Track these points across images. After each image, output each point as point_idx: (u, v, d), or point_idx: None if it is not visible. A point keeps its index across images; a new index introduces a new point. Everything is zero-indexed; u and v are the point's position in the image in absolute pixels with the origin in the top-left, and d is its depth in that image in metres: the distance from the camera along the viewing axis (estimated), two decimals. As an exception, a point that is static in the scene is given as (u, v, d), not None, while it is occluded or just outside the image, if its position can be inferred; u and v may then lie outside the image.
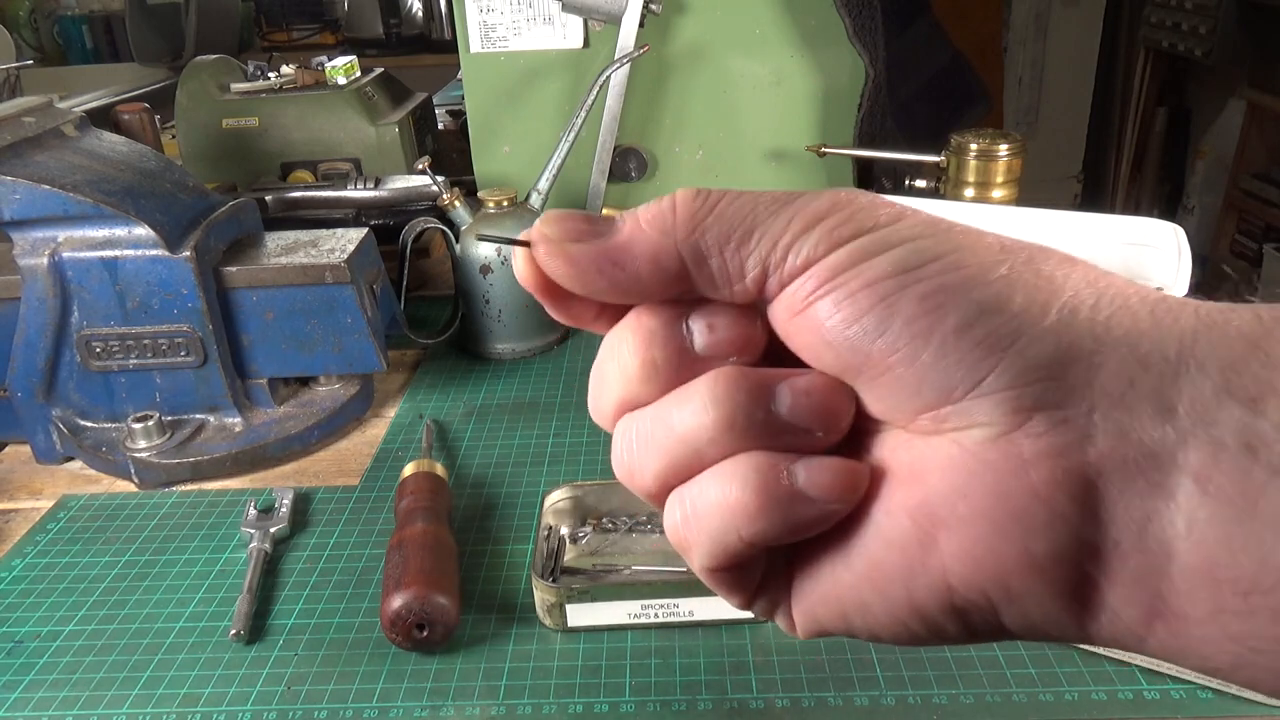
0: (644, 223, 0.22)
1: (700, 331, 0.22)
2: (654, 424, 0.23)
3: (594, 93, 0.87)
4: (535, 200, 0.87)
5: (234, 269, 0.69)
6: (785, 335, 0.22)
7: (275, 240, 0.74)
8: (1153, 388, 0.18)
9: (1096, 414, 0.18)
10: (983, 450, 0.19)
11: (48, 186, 0.64)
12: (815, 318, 0.21)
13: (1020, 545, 0.19)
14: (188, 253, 0.66)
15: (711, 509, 0.21)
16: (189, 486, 0.68)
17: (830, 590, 0.22)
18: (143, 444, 0.68)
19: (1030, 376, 0.19)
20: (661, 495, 0.23)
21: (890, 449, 0.21)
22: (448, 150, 1.22)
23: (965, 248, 0.20)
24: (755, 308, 0.22)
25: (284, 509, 0.63)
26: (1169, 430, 0.18)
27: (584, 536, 0.59)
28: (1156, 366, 0.18)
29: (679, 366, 0.22)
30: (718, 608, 0.52)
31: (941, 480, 0.20)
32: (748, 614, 0.52)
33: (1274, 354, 0.18)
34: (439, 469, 0.63)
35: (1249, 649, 0.18)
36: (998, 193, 0.85)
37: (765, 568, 0.23)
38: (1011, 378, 0.19)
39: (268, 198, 0.95)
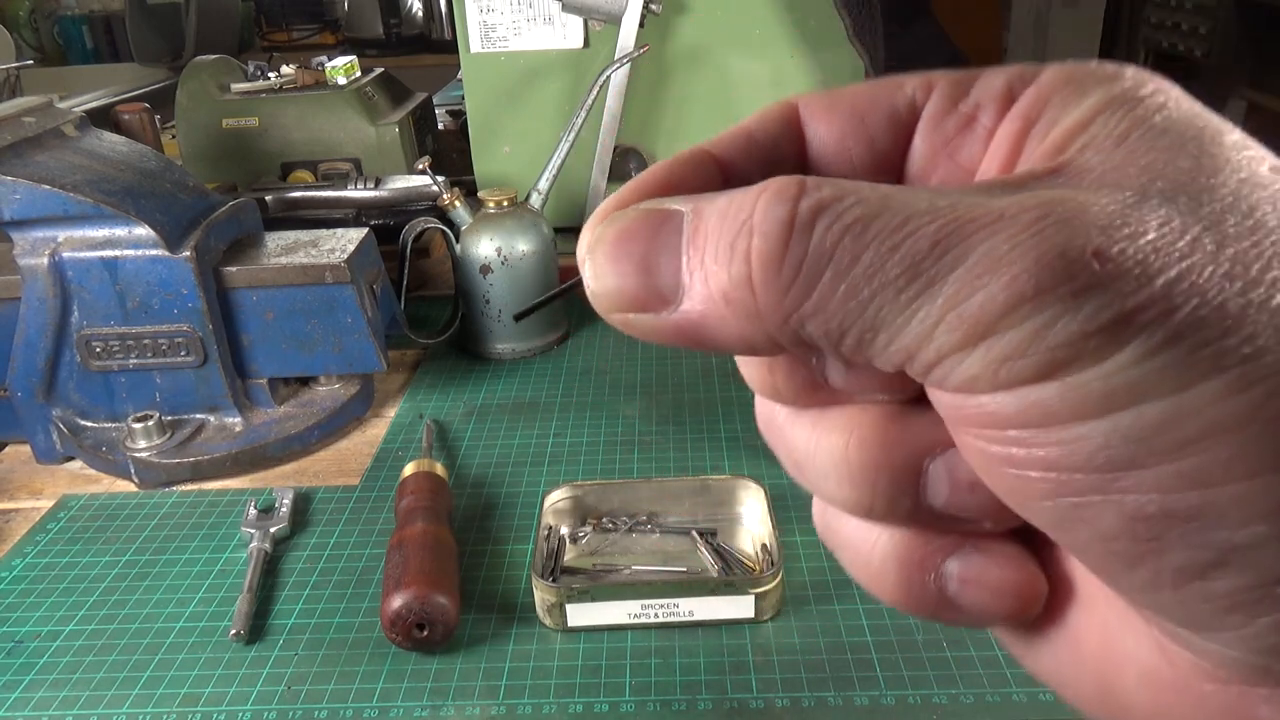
0: (720, 296, 0.15)
1: (833, 366, 0.17)
2: (794, 461, 0.18)
3: (594, 93, 0.87)
4: (535, 200, 0.87)
5: (234, 269, 0.69)
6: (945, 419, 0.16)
7: (275, 240, 0.74)
8: None
9: None
10: (1202, 686, 0.14)
11: (48, 186, 0.64)
12: (981, 460, 0.15)
13: None
14: (188, 253, 0.66)
15: (860, 576, 0.18)
16: (189, 486, 0.68)
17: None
18: (143, 444, 0.68)
19: None
20: None
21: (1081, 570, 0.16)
22: (448, 150, 1.22)
23: (1225, 391, 0.13)
24: None
25: (284, 509, 0.63)
26: None
27: (584, 536, 0.59)
28: None
29: (812, 395, 0.18)
30: (718, 608, 0.52)
31: (1138, 685, 0.15)
32: (748, 614, 0.52)
33: None
34: (439, 469, 0.63)
35: None
36: (998, 193, 0.85)
37: None
38: (1260, 649, 0.13)
39: (268, 198, 0.95)
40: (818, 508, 0.19)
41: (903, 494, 0.16)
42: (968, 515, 0.16)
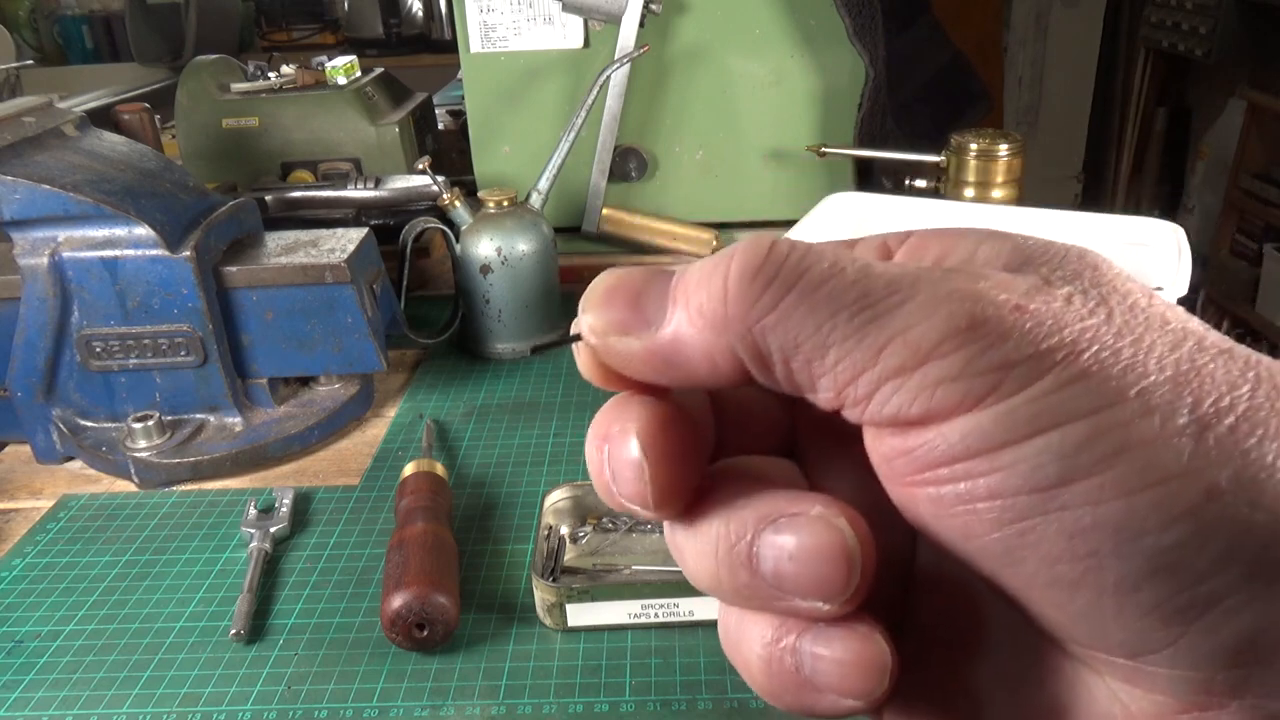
0: (695, 312, 0.17)
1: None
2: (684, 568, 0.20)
3: (594, 93, 0.87)
4: (535, 200, 0.87)
5: (234, 269, 0.69)
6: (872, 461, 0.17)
7: (275, 240, 0.74)
8: None
9: None
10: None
11: (48, 186, 0.64)
12: (908, 499, 0.16)
13: None
14: (188, 252, 0.66)
15: (740, 669, 0.19)
16: (189, 486, 0.68)
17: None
18: (143, 444, 0.68)
19: (1226, 661, 0.14)
20: None
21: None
22: (448, 150, 1.22)
23: (1132, 415, 0.14)
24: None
25: (284, 509, 0.63)
26: None
27: (584, 536, 0.59)
28: None
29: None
30: (718, 607, 0.52)
31: None
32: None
33: None
34: (439, 469, 0.63)
35: None
36: (998, 193, 0.85)
37: None
38: (1198, 659, 0.14)
39: (268, 198, 0.95)
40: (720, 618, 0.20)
41: (740, 567, 0.17)
42: (796, 593, 0.17)
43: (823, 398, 0.17)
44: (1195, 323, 0.17)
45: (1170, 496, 0.14)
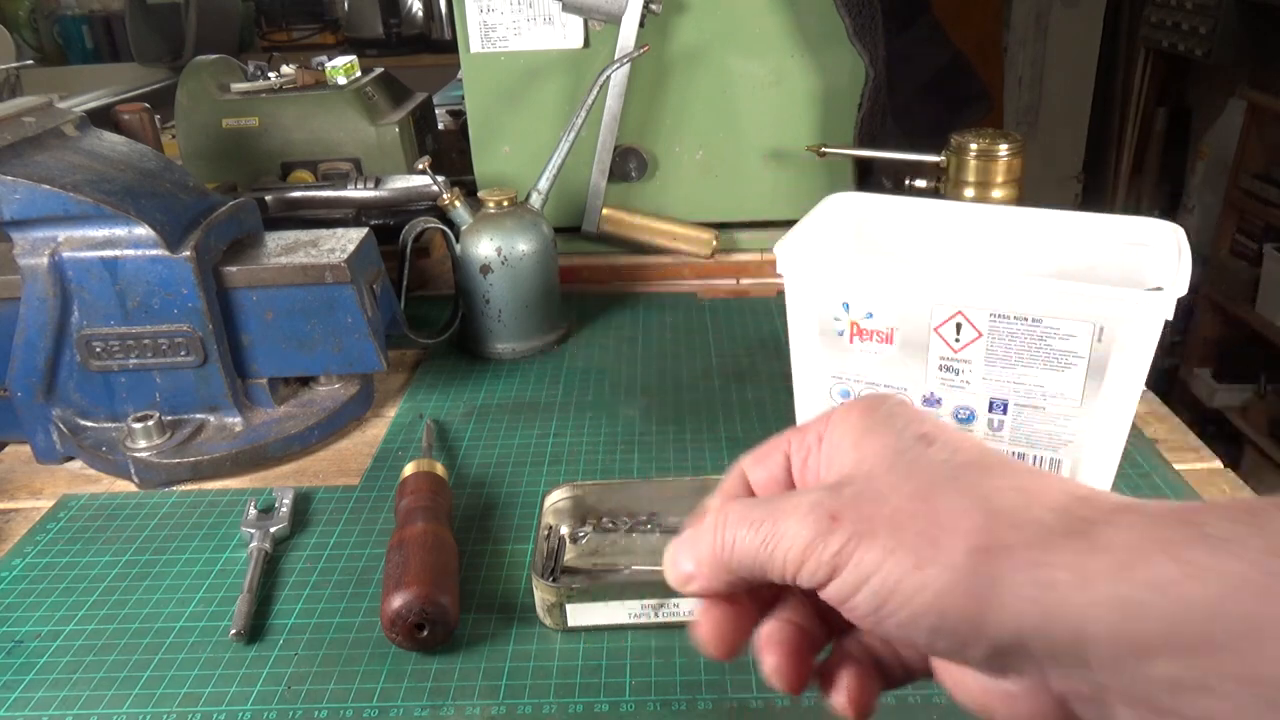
0: (707, 568, 0.29)
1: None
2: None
3: (594, 93, 0.87)
4: (535, 200, 0.87)
5: (234, 269, 0.69)
6: None
7: (275, 240, 0.74)
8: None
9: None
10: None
11: (48, 186, 0.64)
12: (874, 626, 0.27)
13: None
14: (188, 252, 0.66)
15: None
16: (189, 486, 0.68)
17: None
18: (143, 444, 0.68)
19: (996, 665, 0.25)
20: None
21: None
22: (448, 150, 1.22)
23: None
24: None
25: (284, 509, 0.63)
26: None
27: (584, 536, 0.59)
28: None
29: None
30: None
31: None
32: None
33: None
34: (439, 469, 0.63)
35: None
36: (998, 193, 0.85)
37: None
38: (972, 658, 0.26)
39: (268, 198, 0.95)
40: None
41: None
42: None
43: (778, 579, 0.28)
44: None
45: (926, 585, 0.24)
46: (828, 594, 0.26)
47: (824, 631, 0.30)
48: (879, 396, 0.30)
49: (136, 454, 0.68)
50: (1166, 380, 2.51)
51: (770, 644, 0.29)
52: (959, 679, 0.27)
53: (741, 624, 0.30)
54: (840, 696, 0.29)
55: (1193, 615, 0.21)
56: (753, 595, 0.30)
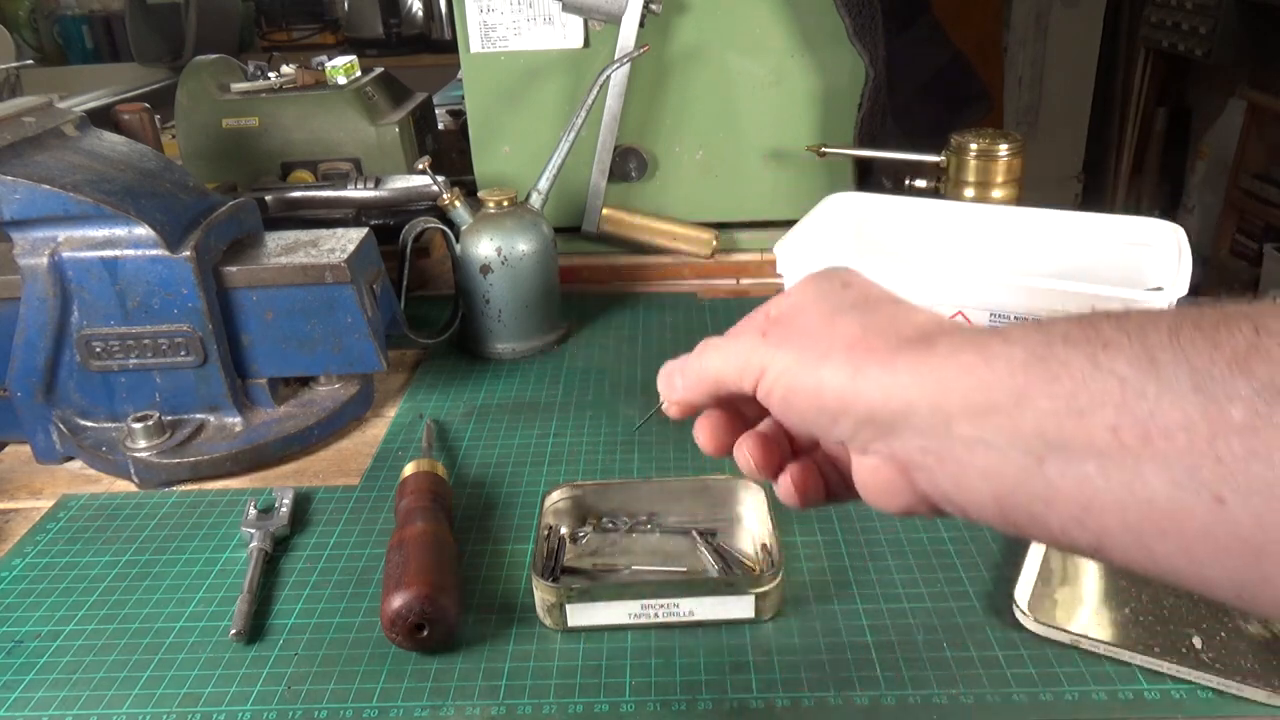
0: (692, 382, 0.39)
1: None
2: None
3: (594, 93, 0.87)
4: (535, 200, 0.87)
5: (234, 269, 0.69)
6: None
7: (275, 240, 0.74)
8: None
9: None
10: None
11: (48, 186, 0.64)
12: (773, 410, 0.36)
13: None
14: (188, 252, 0.66)
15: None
16: (189, 486, 0.68)
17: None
18: (143, 444, 0.68)
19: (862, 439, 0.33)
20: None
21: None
22: (448, 150, 1.22)
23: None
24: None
25: (284, 509, 0.63)
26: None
27: (584, 536, 0.59)
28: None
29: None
30: (718, 608, 0.52)
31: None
32: (748, 614, 0.52)
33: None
34: (439, 469, 0.63)
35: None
36: (998, 193, 0.85)
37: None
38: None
39: (268, 198, 0.95)
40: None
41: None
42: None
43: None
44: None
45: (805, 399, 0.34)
46: (760, 394, 0.35)
47: (788, 446, 0.39)
48: (833, 266, 0.38)
49: (136, 454, 0.68)
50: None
51: (745, 440, 0.38)
52: (851, 468, 0.34)
53: (729, 429, 0.39)
54: (785, 479, 0.38)
55: (981, 385, 0.29)
56: (737, 415, 0.39)
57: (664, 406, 0.40)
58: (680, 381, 0.39)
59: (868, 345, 0.32)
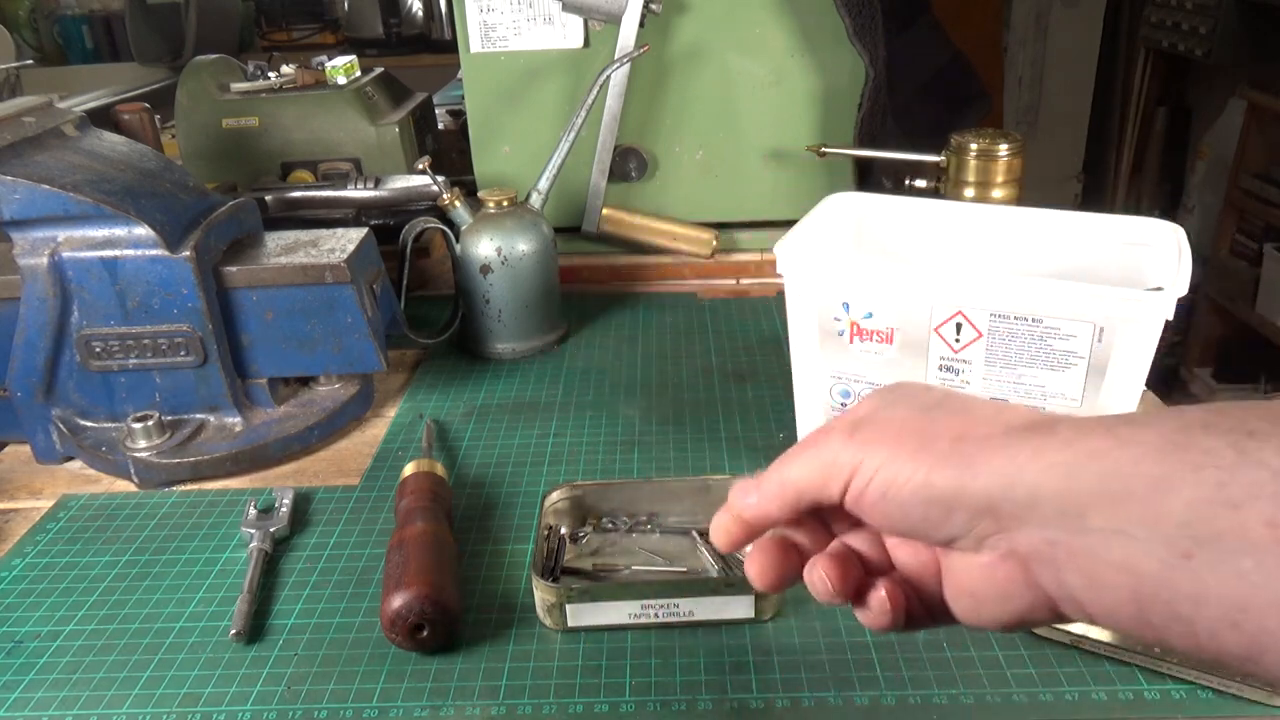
0: (769, 494, 0.35)
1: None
2: None
3: (594, 93, 0.87)
4: (535, 200, 0.87)
5: (234, 269, 0.69)
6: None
7: (275, 240, 0.74)
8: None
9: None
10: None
11: (48, 186, 0.64)
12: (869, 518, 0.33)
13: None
14: (188, 252, 0.66)
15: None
16: (189, 486, 0.68)
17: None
18: (143, 444, 0.68)
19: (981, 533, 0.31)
20: None
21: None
22: (448, 150, 1.22)
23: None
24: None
25: (284, 509, 0.63)
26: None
27: (584, 536, 0.59)
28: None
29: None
30: (718, 608, 0.52)
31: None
32: (748, 614, 0.52)
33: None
34: (439, 469, 0.63)
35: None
36: (998, 193, 0.85)
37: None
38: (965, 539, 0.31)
39: (268, 198, 0.95)
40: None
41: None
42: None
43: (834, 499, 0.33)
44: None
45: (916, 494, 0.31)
46: (850, 496, 0.32)
47: (861, 568, 0.35)
48: (902, 381, 0.38)
49: (136, 454, 0.68)
50: (1166, 380, 2.51)
51: (819, 561, 0.35)
52: (953, 574, 0.32)
53: (784, 559, 0.36)
54: (879, 597, 0.34)
55: (1116, 472, 0.27)
56: (792, 549, 0.36)
57: (721, 529, 0.37)
58: (755, 496, 0.35)
59: (978, 434, 0.30)
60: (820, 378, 0.61)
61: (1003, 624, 0.31)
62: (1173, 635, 0.26)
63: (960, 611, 0.32)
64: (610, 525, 0.59)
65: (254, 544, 0.60)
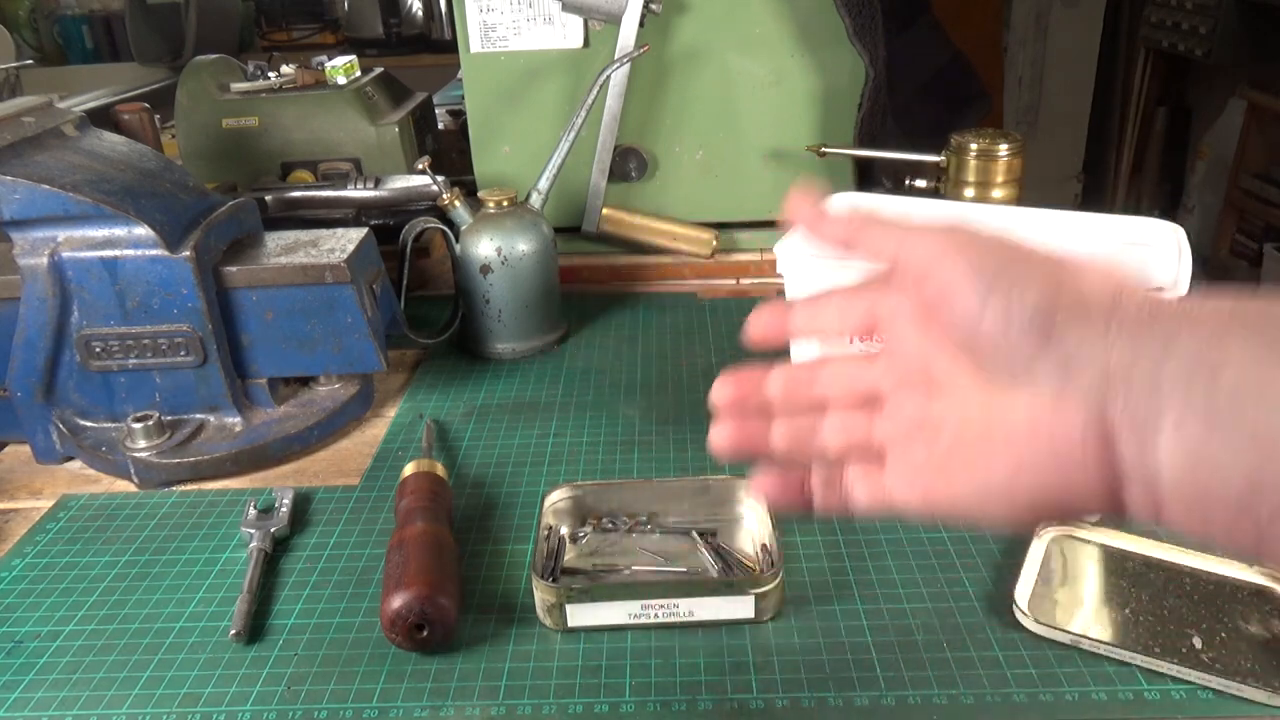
0: (840, 219, 0.38)
1: None
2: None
3: (594, 93, 0.87)
4: (535, 200, 0.87)
5: (234, 269, 0.69)
6: None
7: (275, 240, 0.74)
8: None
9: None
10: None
11: (48, 186, 0.64)
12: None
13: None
14: (188, 252, 0.66)
15: None
16: (189, 486, 0.68)
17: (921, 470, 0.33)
18: (143, 444, 0.68)
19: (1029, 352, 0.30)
20: None
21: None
22: (448, 150, 1.22)
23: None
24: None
25: (284, 509, 0.63)
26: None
27: (584, 536, 0.59)
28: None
29: None
30: (718, 608, 0.52)
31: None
32: (748, 614, 0.52)
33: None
34: (439, 469, 0.63)
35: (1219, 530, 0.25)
36: (998, 193, 0.85)
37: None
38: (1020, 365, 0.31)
39: (268, 198, 0.95)
40: None
41: None
42: None
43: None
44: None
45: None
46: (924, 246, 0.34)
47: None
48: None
49: (136, 454, 0.68)
50: (1166, 380, 2.51)
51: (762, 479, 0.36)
52: (982, 425, 0.30)
53: (754, 435, 0.36)
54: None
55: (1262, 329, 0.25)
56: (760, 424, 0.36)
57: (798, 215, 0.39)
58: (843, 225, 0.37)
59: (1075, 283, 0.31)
60: (820, 378, 0.61)
61: (1018, 503, 0.28)
62: (1273, 535, 0.22)
63: (957, 481, 0.30)
64: (610, 525, 0.59)
65: (254, 544, 0.60)
